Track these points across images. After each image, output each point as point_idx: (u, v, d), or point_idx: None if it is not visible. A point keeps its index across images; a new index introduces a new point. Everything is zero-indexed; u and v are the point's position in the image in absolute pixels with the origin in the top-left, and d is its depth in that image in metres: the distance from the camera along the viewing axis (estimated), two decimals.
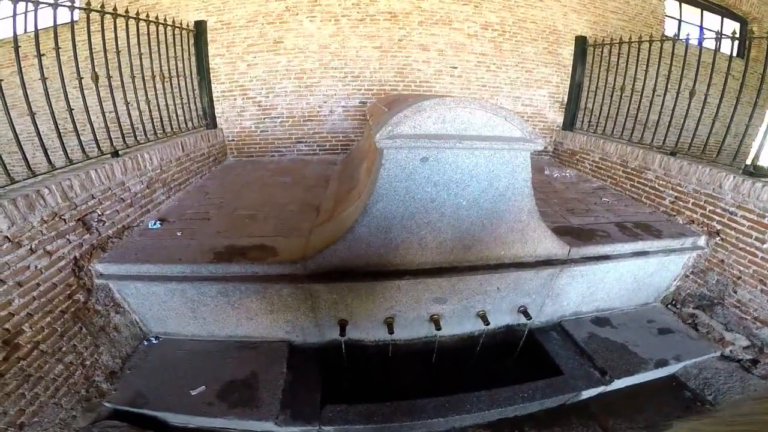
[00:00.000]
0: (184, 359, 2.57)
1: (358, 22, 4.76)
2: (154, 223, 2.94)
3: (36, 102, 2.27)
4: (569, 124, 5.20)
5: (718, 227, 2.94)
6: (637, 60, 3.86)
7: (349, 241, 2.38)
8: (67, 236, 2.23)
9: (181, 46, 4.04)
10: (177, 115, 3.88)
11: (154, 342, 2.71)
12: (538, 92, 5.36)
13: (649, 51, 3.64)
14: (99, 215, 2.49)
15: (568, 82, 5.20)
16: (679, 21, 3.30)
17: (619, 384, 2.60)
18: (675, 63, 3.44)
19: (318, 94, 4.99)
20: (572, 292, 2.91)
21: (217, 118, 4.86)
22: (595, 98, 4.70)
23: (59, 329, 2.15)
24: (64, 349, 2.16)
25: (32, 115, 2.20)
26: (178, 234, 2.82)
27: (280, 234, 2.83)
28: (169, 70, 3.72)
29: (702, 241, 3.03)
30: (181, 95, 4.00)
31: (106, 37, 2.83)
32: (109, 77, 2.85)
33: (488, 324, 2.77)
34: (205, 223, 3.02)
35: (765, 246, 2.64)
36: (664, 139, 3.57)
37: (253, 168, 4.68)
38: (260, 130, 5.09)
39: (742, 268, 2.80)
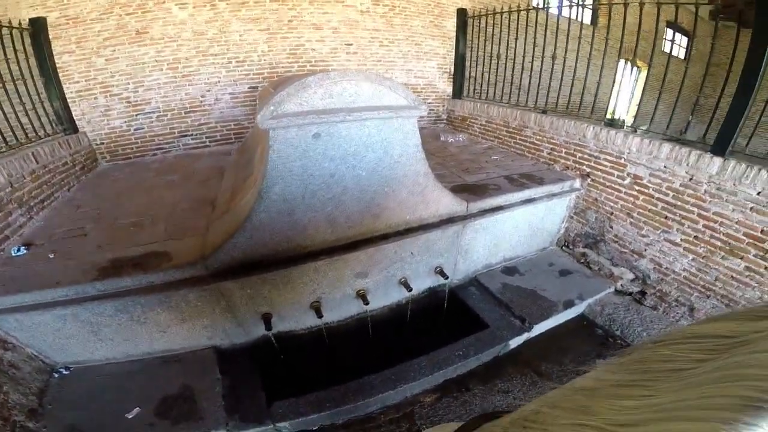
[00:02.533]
0: (107, 384, 2.33)
1: (239, 5, 4.36)
2: (18, 250, 2.49)
3: None
4: (458, 92, 5.52)
5: (588, 170, 3.43)
6: (508, 29, 4.21)
7: (249, 231, 2.23)
8: None
9: (14, 46, 3.30)
10: (22, 124, 3.21)
11: (66, 373, 2.38)
12: (428, 64, 5.58)
13: (517, 20, 4.00)
14: None
15: (454, 54, 5.46)
16: None
17: (538, 329, 2.84)
18: (540, 31, 3.81)
19: (199, 83, 4.49)
20: (479, 246, 3.15)
21: (77, 121, 4.10)
22: (477, 67, 5.05)
23: None
24: None
25: None
26: (51, 256, 2.40)
27: (172, 237, 2.53)
28: (0, 74, 3.06)
29: (577, 183, 3.51)
30: (22, 101, 3.30)
31: None
32: None
33: (411, 290, 2.87)
34: (82, 240, 2.59)
35: (625, 182, 3.13)
36: (536, 100, 4.01)
37: (132, 171, 4.07)
38: (134, 128, 4.42)
39: (612, 204, 3.28)
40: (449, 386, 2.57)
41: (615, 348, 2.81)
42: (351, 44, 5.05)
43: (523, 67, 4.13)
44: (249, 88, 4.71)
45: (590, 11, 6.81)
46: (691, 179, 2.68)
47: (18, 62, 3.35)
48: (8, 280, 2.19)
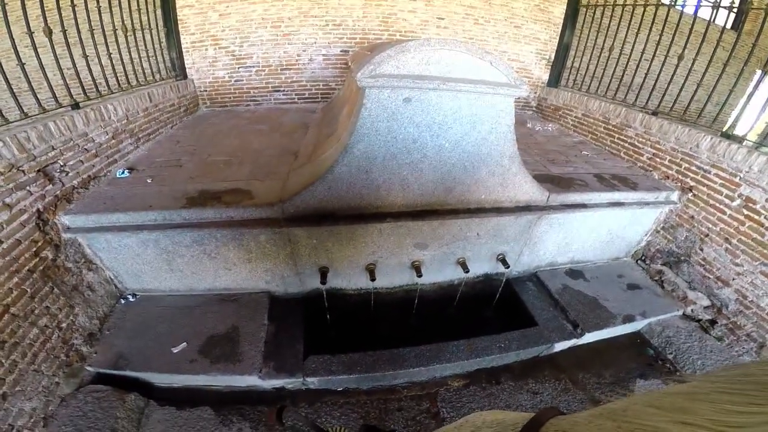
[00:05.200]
0: (164, 316, 2.51)
1: None
2: (123, 172, 2.80)
3: None
4: (554, 81, 5.18)
5: (692, 183, 3.02)
6: (629, 23, 3.80)
7: (328, 182, 2.32)
8: (28, 188, 2.05)
9: None
10: (143, 68, 3.64)
11: (132, 300, 2.63)
12: (526, 48, 5.26)
13: (643, 15, 3.58)
14: (61, 166, 2.30)
15: (557, 40, 5.11)
16: None
17: (588, 338, 2.70)
18: (667, 30, 3.39)
19: (296, 43, 4.73)
20: (549, 241, 2.98)
21: (187, 69, 4.59)
22: (582, 57, 4.66)
23: (29, 290, 2.01)
24: (36, 311, 2.04)
25: None
26: (149, 181, 2.68)
27: (256, 178, 2.73)
28: (132, 23, 3.46)
29: (675, 196, 3.12)
30: (146, 48, 3.75)
31: None
32: (64, 31, 2.59)
33: (468, 271, 2.82)
34: (177, 170, 2.87)
35: (734, 204, 2.72)
36: (647, 101, 3.60)
37: (227, 117, 4.46)
38: (234, 80, 4.83)
39: (710, 225, 2.90)
40: (480, 375, 2.53)
41: (661, 371, 2.64)
42: (443, 18, 4.92)
43: (638, 64, 3.71)
44: (341, 51, 4.84)
45: (733, 14, 5.91)
46: None
47: (147, 13, 3.78)
48: (109, 198, 2.43)
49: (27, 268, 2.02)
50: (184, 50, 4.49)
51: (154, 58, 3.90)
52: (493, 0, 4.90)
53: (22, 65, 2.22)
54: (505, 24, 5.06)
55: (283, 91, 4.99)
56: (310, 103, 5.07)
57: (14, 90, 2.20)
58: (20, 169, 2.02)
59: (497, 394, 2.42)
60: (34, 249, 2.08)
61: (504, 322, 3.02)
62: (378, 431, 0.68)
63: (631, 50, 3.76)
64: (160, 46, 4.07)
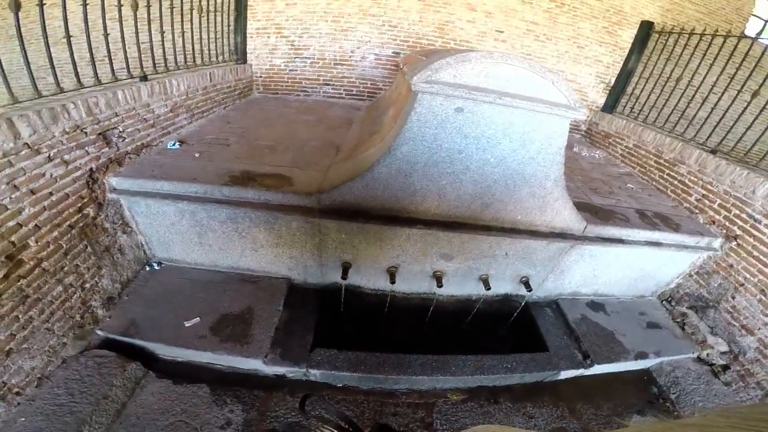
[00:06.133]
0: (183, 288, 2.56)
1: None
2: (174, 144, 2.94)
3: (71, 30, 2.20)
4: (610, 106, 5.00)
5: (738, 232, 2.87)
6: (704, 54, 3.61)
7: (367, 180, 2.36)
8: (86, 148, 2.19)
9: None
10: (209, 49, 3.84)
11: (156, 268, 2.69)
12: (585, 70, 5.11)
13: (721, 47, 3.38)
14: (120, 131, 2.45)
15: (620, 65, 4.95)
16: (766, 22, 3.01)
17: (597, 369, 2.65)
18: (745, 65, 3.18)
19: (352, 39, 4.83)
20: (577, 272, 2.91)
21: (248, 54, 4.78)
22: (645, 85, 4.47)
23: (65, 246, 2.07)
24: (66, 268, 2.08)
25: (68, 37, 2.14)
26: (196, 155, 2.81)
27: (298, 166, 2.82)
28: (207, 4, 3.67)
29: (717, 243, 2.97)
30: (215, 30, 3.96)
31: None
32: (148, 6, 2.80)
33: (489, 289, 2.80)
34: (224, 149, 3.01)
35: None
36: (707, 138, 3.41)
37: (277, 104, 4.62)
38: (289, 69, 4.99)
39: (748, 276, 2.77)
40: (480, 393, 2.52)
41: (660, 410, 2.61)
42: (502, 32, 4.86)
43: (706, 97, 3.52)
44: (393, 53, 4.90)
45: None
46: None
47: None
48: (158, 167, 2.53)
49: (68, 223, 2.10)
50: (248, 36, 4.68)
51: (220, 40, 4.09)
52: (558, 18, 4.80)
53: (106, 35, 2.40)
54: (568, 43, 4.95)
55: (333, 85, 5.10)
56: (356, 99, 5.17)
57: (94, 58, 2.37)
58: (84, 130, 2.16)
59: (493, 413, 2.40)
60: (79, 205, 2.18)
61: (514, 343, 2.99)
62: (392, 431, 0.70)
63: (701, 82, 3.57)
64: (228, 30, 4.28)
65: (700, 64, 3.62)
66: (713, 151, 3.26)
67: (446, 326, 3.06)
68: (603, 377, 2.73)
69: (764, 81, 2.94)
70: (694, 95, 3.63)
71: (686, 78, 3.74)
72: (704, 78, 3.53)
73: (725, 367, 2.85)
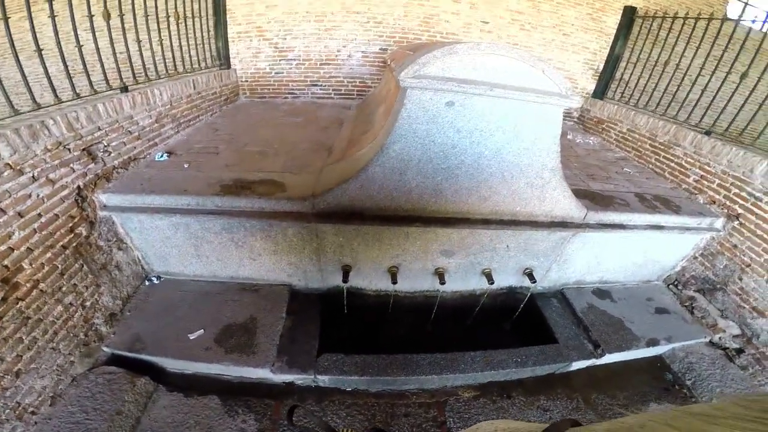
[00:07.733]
0: (185, 300, 2.54)
1: None
2: (162, 155, 2.88)
3: (45, 45, 2.11)
4: (600, 92, 4.99)
5: (740, 211, 2.85)
6: (689, 37, 3.60)
7: (361, 181, 2.32)
8: (71, 165, 2.12)
9: None
10: (190, 55, 3.76)
11: (156, 282, 2.68)
12: (573, 57, 5.09)
13: (705, 30, 3.37)
14: (105, 146, 2.38)
15: (607, 51, 4.94)
16: (746, 3, 3.00)
17: (608, 359, 2.62)
18: (730, 47, 3.18)
19: (338, 38, 4.76)
20: (580, 260, 2.88)
21: (231, 59, 4.70)
22: (633, 70, 4.47)
23: (60, 266, 2.04)
24: (64, 288, 2.07)
25: (39, 51, 2.05)
26: (185, 166, 2.75)
27: (290, 170, 2.76)
28: (184, 10, 3.58)
29: (719, 223, 2.95)
30: (195, 36, 3.87)
31: None
32: (121, 15, 2.71)
33: (492, 283, 2.76)
34: (214, 157, 2.94)
35: None
36: (701, 119, 3.40)
37: (265, 108, 4.55)
38: (275, 72, 4.91)
39: (753, 256, 2.75)
40: (491, 388, 2.50)
41: (677, 396, 2.58)
42: (487, 22, 4.82)
43: (695, 80, 3.51)
44: (380, 49, 4.84)
45: None
46: None
47: (199, 1, 3.90)
48: (146, 180, 2.48)
49: (61, 243, 2.05)
50: (229, 40, 4.60)
51: (201, 46, 4.01)
52: (542, 6, 4.76)
53: (79, 47, 2.33)
54: (553, 31, 4.91)
55: (321, 85, 5.04)
56: (345, 99, 5.11)
57: (69, 72, 2.29)
58: (66, 147, 2.09)
59: (507, 408, 2.38)
60: (70, 225, 2.13)
61: (522, 336, 2.95)
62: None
63: (689, 65, 3.56)
64: (208, 35, 4.19)
65: (685, 47, 3.61)
66: (707, 133, 3.25)
67: (452, 323, 3.02)
68: (615, 366, 2.70)
69: (751, 62, 2.93)
70: (683, 78, 3.62)
71: (673, 62, 3.73)
72: (691, 61, 3.52)
73: (739, 351, 2.80)
